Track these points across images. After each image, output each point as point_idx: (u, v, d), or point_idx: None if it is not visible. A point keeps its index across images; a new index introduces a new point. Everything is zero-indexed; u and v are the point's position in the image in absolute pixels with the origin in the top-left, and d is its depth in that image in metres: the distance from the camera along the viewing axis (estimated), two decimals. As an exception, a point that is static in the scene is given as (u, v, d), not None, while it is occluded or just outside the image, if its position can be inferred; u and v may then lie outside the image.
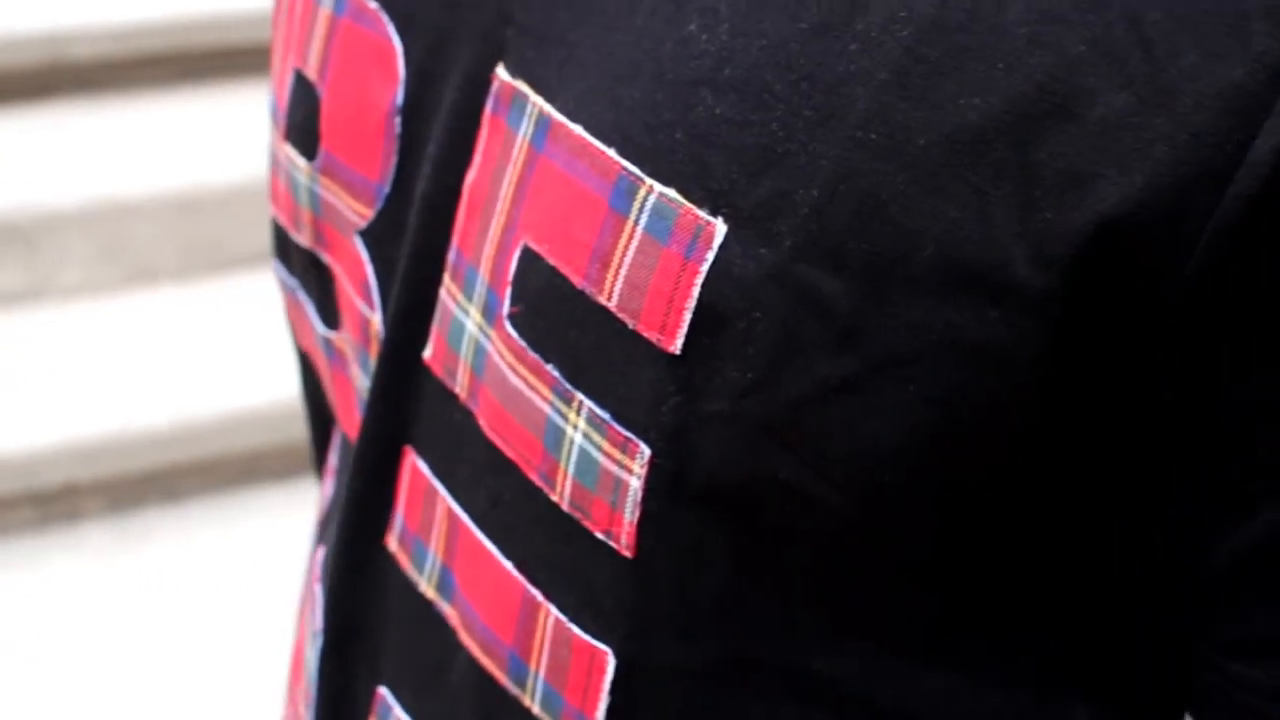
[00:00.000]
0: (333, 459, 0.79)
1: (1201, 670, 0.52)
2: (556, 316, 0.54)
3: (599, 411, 0.53)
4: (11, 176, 3.25)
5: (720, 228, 0.49)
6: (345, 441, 0.73)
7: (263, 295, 3.27)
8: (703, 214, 0.50)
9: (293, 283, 0.76)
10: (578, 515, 0.55)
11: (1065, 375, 0.47)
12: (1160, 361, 0.47)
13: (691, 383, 0.51)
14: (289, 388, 2.98)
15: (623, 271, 0.52)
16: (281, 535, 2.91)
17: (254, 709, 2.55)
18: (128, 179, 3.31)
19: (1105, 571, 0.52)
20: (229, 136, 3.45)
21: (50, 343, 3.10)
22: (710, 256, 0.49)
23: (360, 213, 0.66)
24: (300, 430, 2.97)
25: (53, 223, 3.22)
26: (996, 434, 0.48)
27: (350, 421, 0.71)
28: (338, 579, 0.68)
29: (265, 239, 3.35)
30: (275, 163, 0.73)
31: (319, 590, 0.72)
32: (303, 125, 0.69)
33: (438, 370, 0.62)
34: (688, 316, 0.50)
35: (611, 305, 0.52)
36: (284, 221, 0.73)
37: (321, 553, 0.74)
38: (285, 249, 0.75)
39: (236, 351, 3.12)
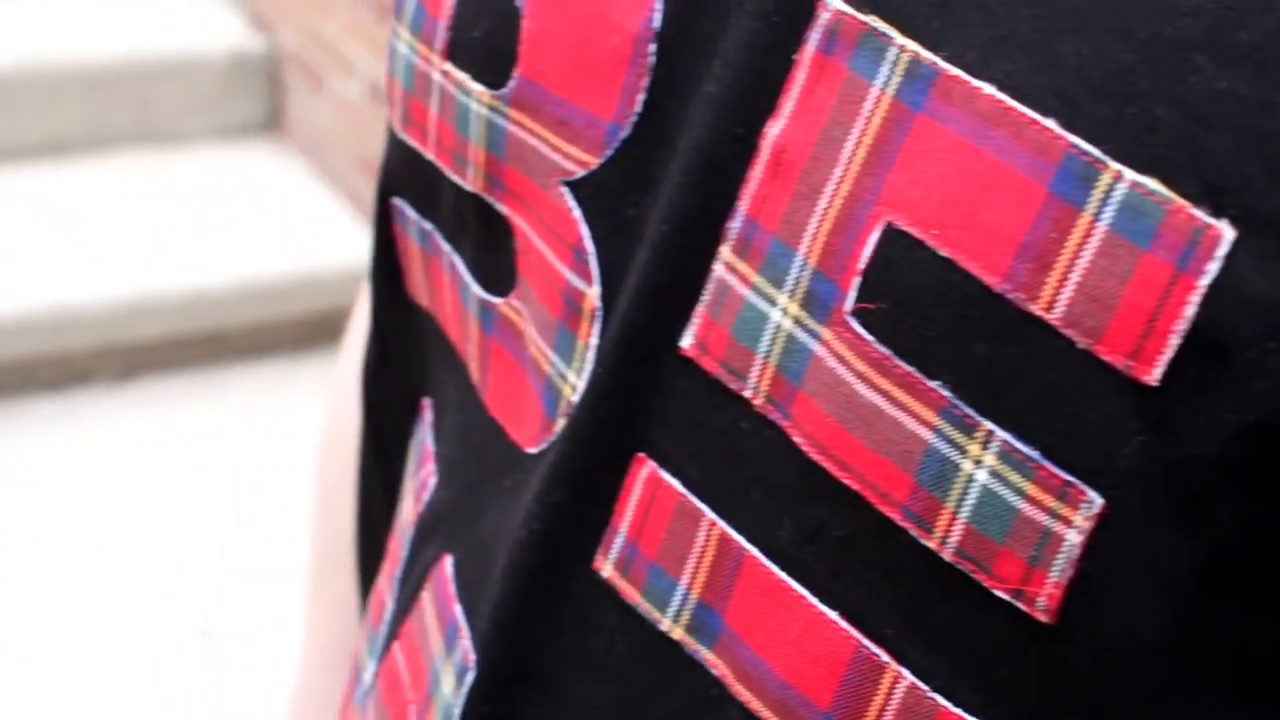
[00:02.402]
0: (429, 441, 0.66)
1: None
2: (952, 323, 0.43)
3: (1021, 447, 0.42)
4: None
5: (1227, 233, 0.39)
6: (490, 429, 0.60)
7: (32, 191, 3.10)
8: (1200, 214, 0.39)
9: (427, 226, 0.63)
10: (968, 567, 0.44)
11: None
12: None
13: (1167, 422, 0.40)
14: (59, 294, 2.84)
15: (1073, 277, 0.41)
16: (51, 448, 2.76)
17: (7, 625, 2.40)
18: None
19: None
20: (1, 20, 3.24)
21: None
22: (1212, 269, 0.39)
23: (576, 158, 0.54)
24: (73, 339, 2.82)
25: None
26: None
27: (514, 410, 0.59)
28: (512, 607, 0.56)
29: (35, 131, 3.18)
30: (419, 84, 0.60)
31: (460, 613, 0.60)
32: (484, 43, 0.56)
33: (708, 365, 0.50)
34: (1174, 341, 0.40)
35: (1052, 317, 0.41)
36: (434, 156, 0.60)
37: (450, 564, 0.61)
38: (426, 188, 0.62)
39: (2, 252, 2.94)
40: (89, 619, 2.45)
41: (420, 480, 0.67)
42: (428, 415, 0.67)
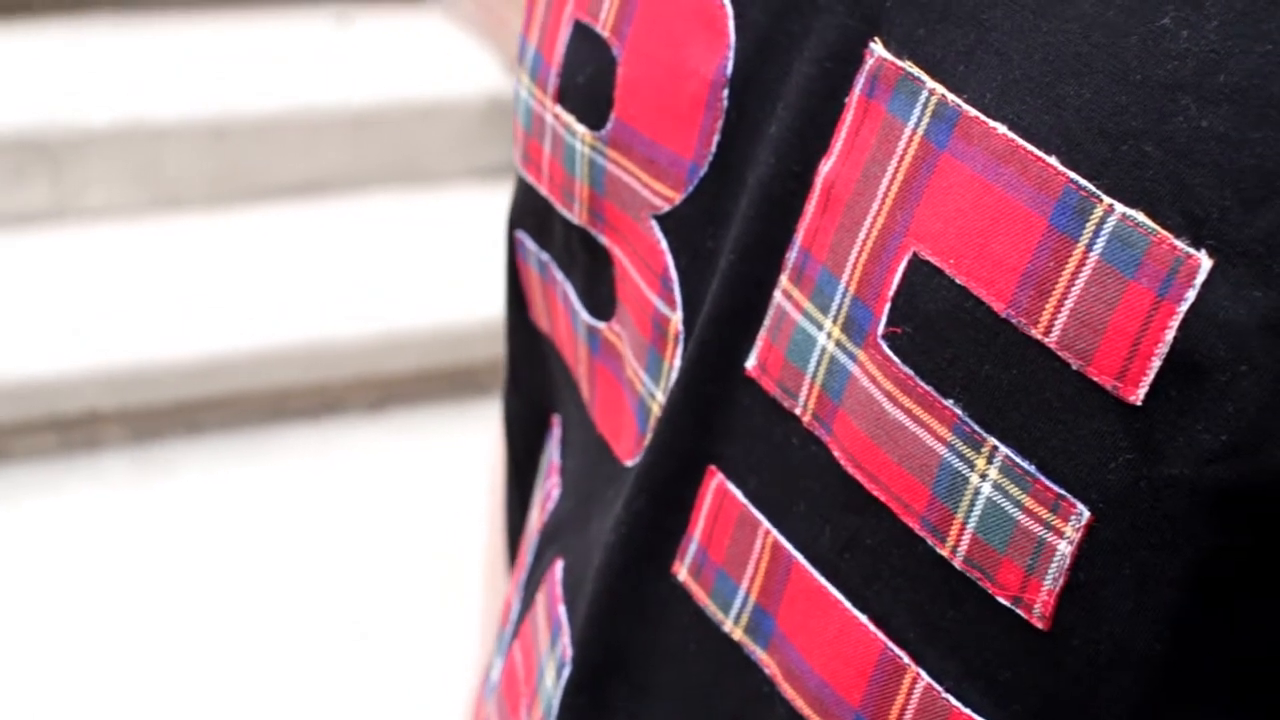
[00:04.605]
0: (554, 455, 0.71)
1: None
2: (964, 345, 0.47)
3: (1021, 462, 0.46)
4: (40, 92, 3.17)
5: (1205, 262, 0.42)
6: (598, 445, 0.65)
7: (291, 229, 3.21)
8: (1181, 244, 0.42)
9: (544, 257, 0.68)
10: (975, 575, 0.47)
11: None
12: None
13: (1150, 440, 0.43)
14: (319, 326, 2.93)
15: (1068, 304, 0.44)
16: (305, 475, 2.85)
17: (265, 645, 2.50)
18: (159, 101, 3.23)
19: None
20: (266, 64, 3.37)
21: (74, 264, 3.03)
22: (1190, 296, 0.42)
23: (662, 194, 0.58)
24: (329, 370, 2.92)
25: (80, 141, 3.14)
26: None
27: (616, 426, 0.63)
28: (603, 606, 0.60)
29: (297, 171, 3.30)
30: (535, 124, 0.65)
31: (563, 613, 0.64)
32: (586, 88, 0.61)
33: (767, 385, 0.54)
34: (1156, 364, 0.43)
35: (1049, 341, 0.44)
36: (547, 191, 0.65)
37: (560, 568, 0.66)
38: (540, 220, 0.67)
39: (264, 285, 3.05)
40: (332, 634, 2.54)
41: (545, 492, 0.72)
42: (556, 431, 0.72)
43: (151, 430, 2.90)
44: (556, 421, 0.72)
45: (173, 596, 2.57)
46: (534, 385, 0.75)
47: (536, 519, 0.72)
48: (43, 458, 2.82)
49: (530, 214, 0.68)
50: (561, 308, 0.68)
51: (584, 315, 0.65)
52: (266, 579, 2.63)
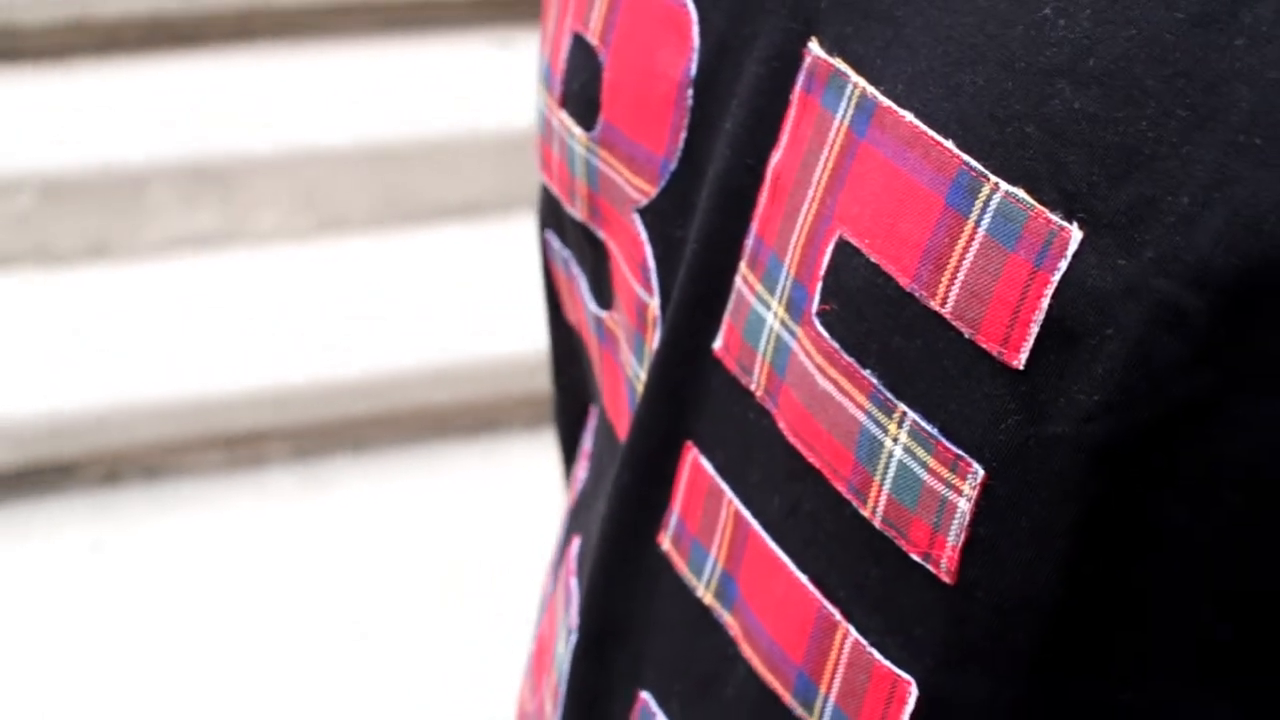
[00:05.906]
0: (587, 442, 0.75)
1: None
2: (877, 319, 0.50)
3: (926, 425, 0.49)
4: (210, 119, 3.26)
5: (1075, 234, 0.44)
6: (609, 428, 0.69)
7: (454, 250, 3.27)
8: (1055, 218, 0.45)
9: (566, 254, 0.72)
10: (891, 534, 0.51)
11: None
12: None
13: (1034, 402, 0.46)
14: (479, 345, 2.98)
15: (960, 276, 0.47)
16: (467, 492, 2.91)
17: (427, 658, 2.54)
18: (325, 126, 3.31)
19: None
20: (428, 88, 3.44)
21: (243, 286, 3.11)
22: (1063, 266, 0.45)
23: (641, 189, 0.62)
24: (488, 388, 2.98)
25: (249, 166, 3.23)
26: None
27: (617, 409, 0.68)
28: (600, 576, 0.64)
29: (459, 192, 3.36)
30: (547, 129, 0.70)
31: (574, 584, 0.69)
32: (581, 93, 0.65)
33: (729, 364, 0.58)
34: (1034, 330, 0.45)
35: (945, 312, 0.47)
36: (558, 192, 0.70)
37: (577, 544, 0.71)
38: (559, 219, 0.72)
39: (428, 306, 3.11)
40: (500, 643, 2.58)
41: (575, 475, 0.76)
42: (591, 421, 0.76)
43: (316, 447, 2.97)
44: (592, 412, 0.77)
45: (335, 609, 2.64)
46: (574, 379, 0.80)
47: (568, 502, 0.77)
48: (210, 474, 2.90)
49: (552, 214, 0.73)
50: (580, 300, 0.72)
51: (592, 306, 0.69)
52: (430, 593, 2.69)
